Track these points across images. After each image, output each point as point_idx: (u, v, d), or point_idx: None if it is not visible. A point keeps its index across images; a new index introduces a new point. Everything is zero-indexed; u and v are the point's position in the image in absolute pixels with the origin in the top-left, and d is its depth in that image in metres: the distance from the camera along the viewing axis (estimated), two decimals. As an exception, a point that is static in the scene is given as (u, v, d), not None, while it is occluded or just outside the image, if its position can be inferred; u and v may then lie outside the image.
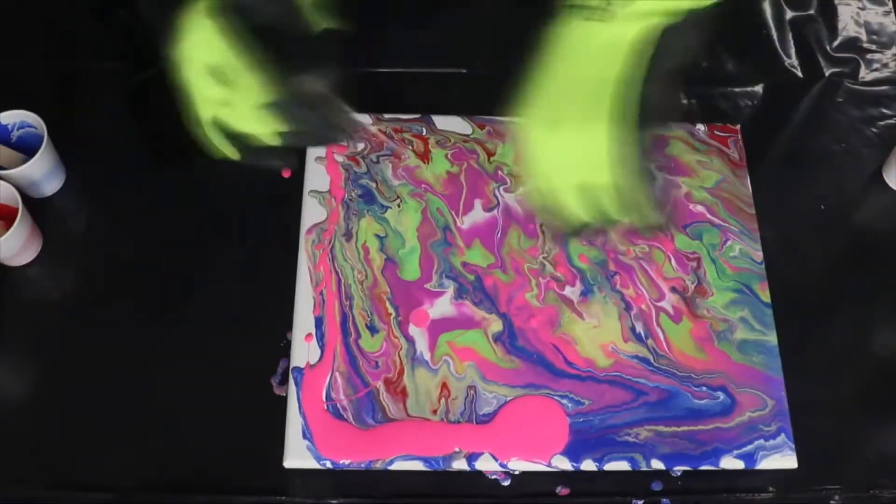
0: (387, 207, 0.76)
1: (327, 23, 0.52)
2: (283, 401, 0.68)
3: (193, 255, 0.75)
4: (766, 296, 0.74)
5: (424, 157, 0.78)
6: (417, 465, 0.66)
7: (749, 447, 0.67)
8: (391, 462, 0.65)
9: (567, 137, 0.50)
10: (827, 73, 0.89)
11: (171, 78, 0.53)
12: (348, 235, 0.74)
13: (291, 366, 0.69)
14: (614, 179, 0.51)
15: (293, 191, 0.76)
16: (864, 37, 0.92)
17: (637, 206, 0.53)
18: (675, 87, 0.51)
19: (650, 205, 0.53)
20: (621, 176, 0.51)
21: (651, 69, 0.48)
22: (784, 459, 0.67)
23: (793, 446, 0.68)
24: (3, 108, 0.74)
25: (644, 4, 0.46)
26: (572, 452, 0.67)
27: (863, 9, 0.94)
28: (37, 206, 0.76)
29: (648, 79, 0.48)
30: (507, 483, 0.68)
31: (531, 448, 0.67)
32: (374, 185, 0.77)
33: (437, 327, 0.71)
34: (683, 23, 0.47)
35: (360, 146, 0.78)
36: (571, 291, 0.73)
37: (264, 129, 0.53)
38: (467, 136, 0.80)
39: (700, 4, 0.47)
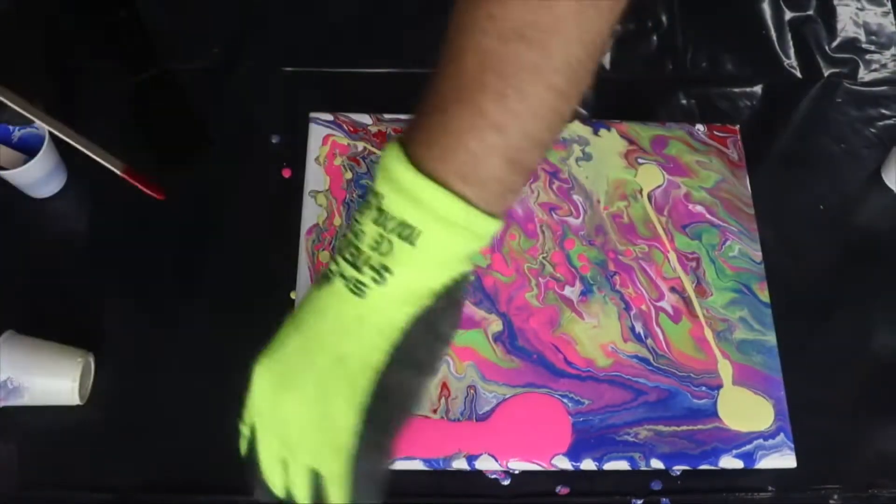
0: (387, 207, 0.76)
1: None
2: (283, 401, 0.68)
3: (193, 255, 0.75)
4: (765, 296, 0.74)
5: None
6: (417, 465, 0.66)
7: (748, 447, 0.67)
8: (391, 463, 0.65)
9: (300, 402, 0.43)
10: (826, 74, 0.89)
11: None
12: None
13: (292, 366, 0.68)
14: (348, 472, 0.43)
15: (293, 191, 0.77)
16: (862, 37, 0.92)
17: None
18: (418, 383, 0.44)
19: None
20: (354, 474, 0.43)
21: (397, 360, 0.42)
22: (783, 459, 0.67)
23: (792, 446, 0.68)
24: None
25: (398, 289, 0.41)
26: (572, 452, 0.67)
27: (862, 9, 0.94)
28: (37, 206, 0.76)
29: (391, 371, 0.42)
30: (507, 482, 0.68)
31: (533, 448, 0.67)
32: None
33: (437, 327, 0.71)
34: (434, 311, 0.42)
35: (360, 147, 0.78)
36: (571, 291, 0.73)
37: None
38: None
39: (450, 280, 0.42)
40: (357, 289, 0.42)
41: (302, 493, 0.44)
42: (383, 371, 0.42)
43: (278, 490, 0.46)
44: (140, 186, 0.73)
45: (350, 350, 0.42)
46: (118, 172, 0.72)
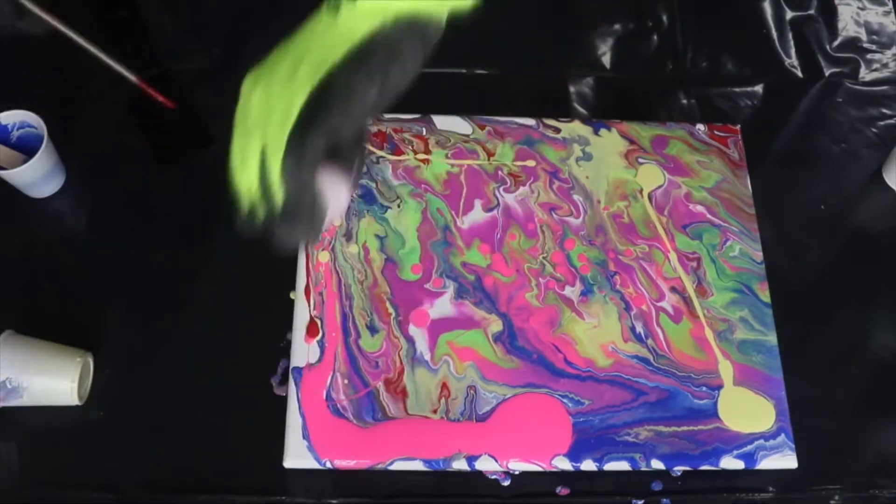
0: (387, 208, 0.76)
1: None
2: (283, 401, 0.68)
3: (193, 255, 0.75)
4: (766, 296, 0.74)
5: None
6: (417, 465, 0.66)
7: (749, 447, 0.67)
8: (391, 463, 0.65)
9: (265, 90, 0.50)
10: (827, 73, 0.89)
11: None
12: (348, 235, 0.74)
13: (291, 366, 0.69)
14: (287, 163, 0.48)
15: (293, 191, 0.76)
16: (864, 37, 0.92)
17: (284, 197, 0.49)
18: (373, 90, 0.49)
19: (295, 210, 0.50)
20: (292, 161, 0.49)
21: (351, 62, 0.49)
22: (784, 459, 0.67)
23: (793, 446, 0.68)
24: (3, 108, 0.74)
25: (365, 6, 0.48)
26: (572, 453, 0.66)
27: (863, 9, 0.94)
28: (36, 206, 0.76)
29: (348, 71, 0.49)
30: (507, 483, 0.68)
31: (533, 449, 0.67)
32: (374, 185, 0.77)
33: (437, 327, 0.71)
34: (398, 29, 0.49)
35: None
36: (571, 291, 0.73)
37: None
38: (467, 136, 0.80)
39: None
40: (335, 7, 0.49)
41: (251, 169, 0.49)
42: (337, 69, 0.49)
43: (243, 191, 0.50)
44: (153, 94, 0.78)
45: (314, 49, 0.50)
46: (133, 79, 0.76)
